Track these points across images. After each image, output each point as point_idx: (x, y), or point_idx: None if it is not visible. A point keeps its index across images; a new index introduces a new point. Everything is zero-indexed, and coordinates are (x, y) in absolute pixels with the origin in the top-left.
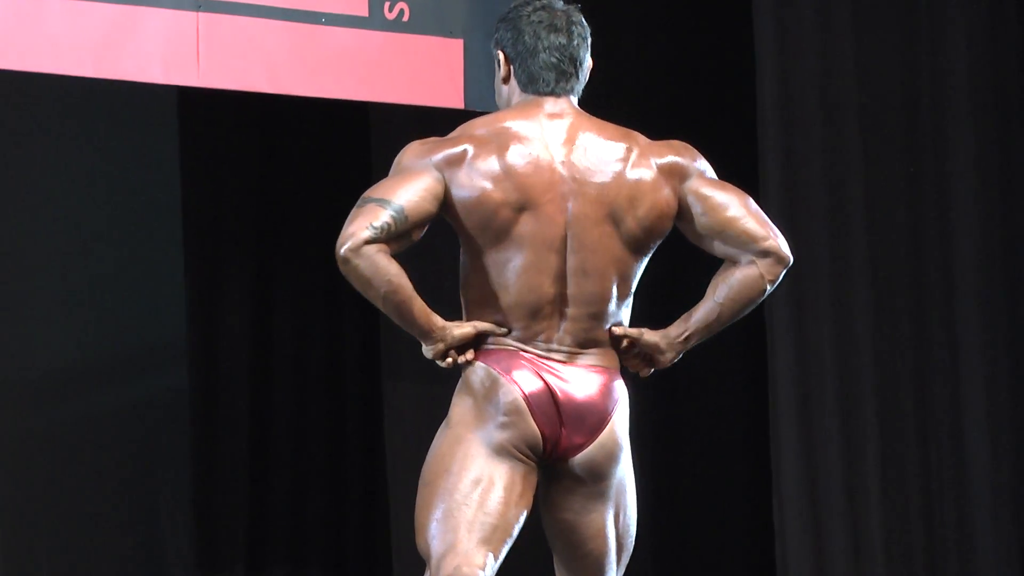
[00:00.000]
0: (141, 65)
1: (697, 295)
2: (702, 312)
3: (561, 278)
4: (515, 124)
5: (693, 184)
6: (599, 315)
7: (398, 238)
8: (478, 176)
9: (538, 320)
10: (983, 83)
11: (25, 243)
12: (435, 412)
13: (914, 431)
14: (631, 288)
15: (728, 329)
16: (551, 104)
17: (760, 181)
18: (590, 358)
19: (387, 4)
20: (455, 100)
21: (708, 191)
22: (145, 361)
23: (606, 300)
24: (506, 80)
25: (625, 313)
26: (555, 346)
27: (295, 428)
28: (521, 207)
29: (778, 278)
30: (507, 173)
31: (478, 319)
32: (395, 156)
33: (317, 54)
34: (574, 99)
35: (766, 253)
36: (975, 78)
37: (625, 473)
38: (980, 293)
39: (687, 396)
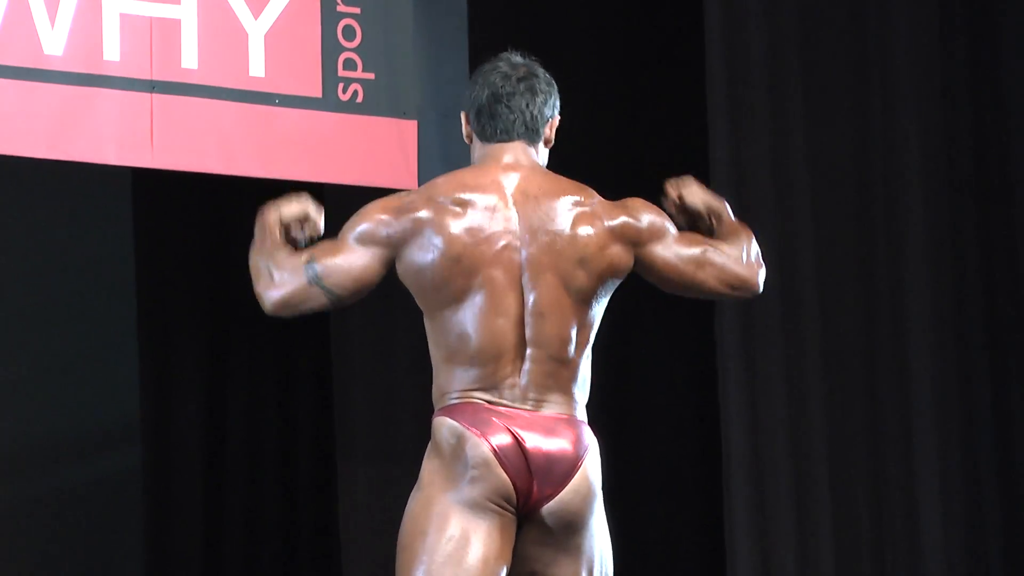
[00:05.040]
0: (95, 146)
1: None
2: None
3: (520, 321)
4: (471, 182)
5: (648, 250)
6: (560, 358)
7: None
8: (431, 248)
9: (502, 365)
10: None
11: None
12: (390, 493)
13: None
14: (589, 335)
15: (680, 402)
16: (507, 155)
17: None
18: (556, 407)
19: (341, 85)
20: (409, 181)
21: (665, 256)
22: (98, 441)
23: (565, 342)
24: (470, 138)
25: (586, 364)
26: (519, 393)
27: (249, 509)
28: (476, 266)
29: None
30: (462, 237)
31: (448, 377)
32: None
33: (271, 135)
34: (532, 150)
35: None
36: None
37: (598, 527)
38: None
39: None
